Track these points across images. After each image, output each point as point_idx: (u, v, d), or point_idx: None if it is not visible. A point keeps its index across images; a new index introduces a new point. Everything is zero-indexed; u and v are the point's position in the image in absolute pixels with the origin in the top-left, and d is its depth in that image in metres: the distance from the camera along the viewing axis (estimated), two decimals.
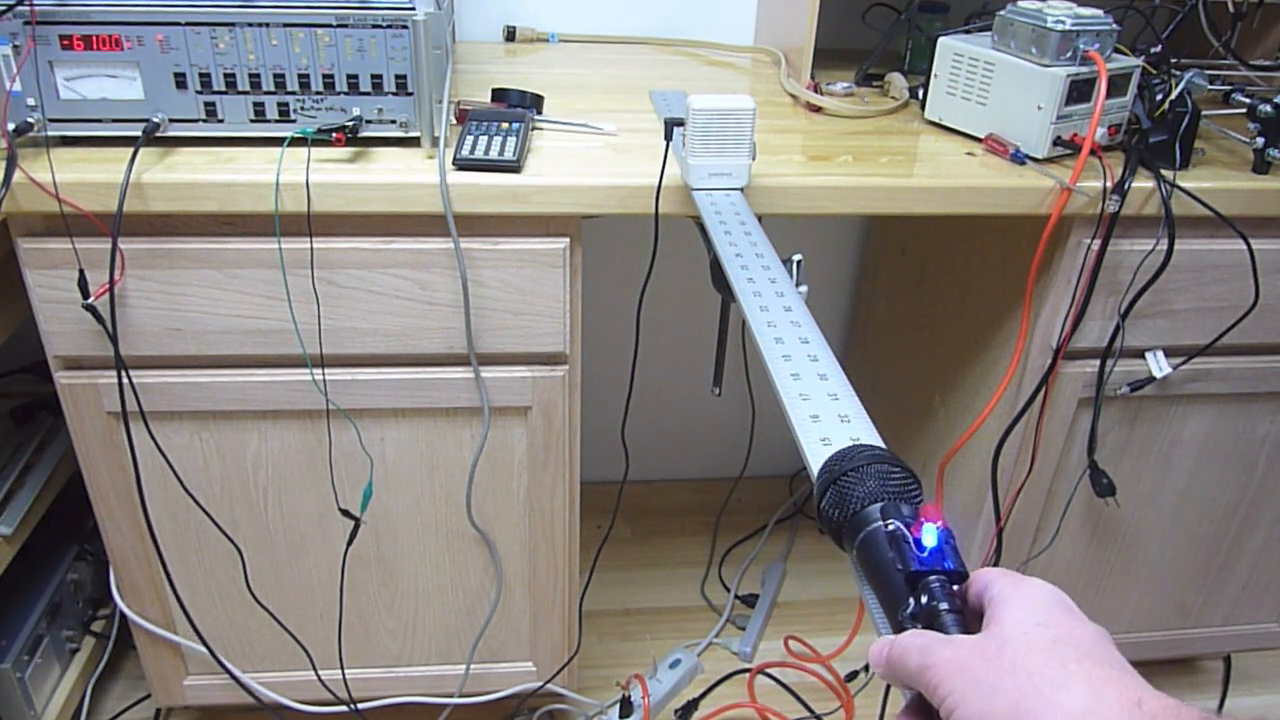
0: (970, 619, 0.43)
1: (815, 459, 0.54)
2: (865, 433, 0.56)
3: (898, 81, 1.21)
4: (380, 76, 0.91)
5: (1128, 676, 0.36)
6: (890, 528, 0.45)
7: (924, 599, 0.43)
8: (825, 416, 0.58)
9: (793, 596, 1.62)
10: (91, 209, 0.86)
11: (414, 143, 0.95)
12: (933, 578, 0.43)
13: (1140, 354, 1.11)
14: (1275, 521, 1.29)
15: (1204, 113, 1.03)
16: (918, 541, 0.44)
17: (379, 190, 0.89)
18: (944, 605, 0.42)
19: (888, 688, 1.38)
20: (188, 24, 0.87)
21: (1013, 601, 0.40)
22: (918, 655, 0.40)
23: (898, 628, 0.43)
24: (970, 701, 0.37)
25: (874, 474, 0.49)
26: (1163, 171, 0.99)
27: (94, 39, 0.86)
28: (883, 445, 0.52)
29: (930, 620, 0.42)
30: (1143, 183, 0.99)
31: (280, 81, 0.90)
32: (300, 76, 0.90)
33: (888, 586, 0.45)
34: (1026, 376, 1.12)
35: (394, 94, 0.92)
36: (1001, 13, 1.03)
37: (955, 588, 0.43)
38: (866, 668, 1.46)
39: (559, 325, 1.00)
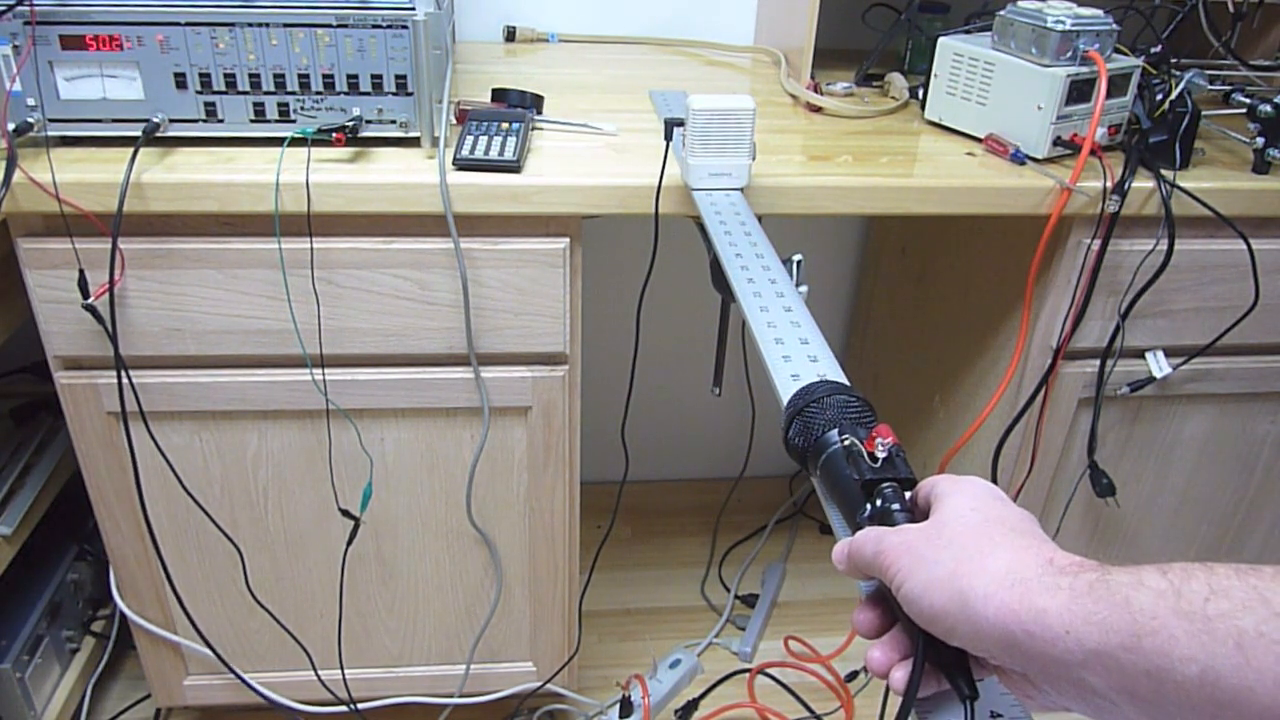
0: (919, 517, 0.47)
1: None
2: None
3: (898, 81, 1.21)
4: (380, 76, 0.91)
5: (1045, 544, 0.42)
6: (847, 443, 0.51)
7: (878, 502, 0.49)
8: None
9: (793, 596, 1.62)
10: (91, 209, 0.86)
11: (414, 143, 0.95)
12: (885, 484, 0.49)
13: (1140, 354, 1.11)
14: (1275, 521, 1.29)
15: (1204, 113, 1.03)
16: (871, 455, 0.50)
17: (379, 190, 0.89)
18: (895, 506, 0.48)
19: (887, 688, 1.38)
20: (188, 24, 0.87)
21: (952, 494, 0.46)
22: (872, 544, 0.45)
23: (856, 529, 0.49)
24: (915, 574, 0.42)
25: (833, 404, 0.55)
26: (1163, 171, 0.99)
27: (94, 39, 0.86)
28: (846, 383, 0.58)
29: (883, 519, 0.48)
30: (1143, 183, 0.99)
31: (280, 81, 0.90)
32: (300, 77, 0.90)
33: (847, 496, 0.51)
34: (1026, 376, 1.12)
35: (394, 94, 0.92)
36: (1001, 13, 1.03)
37: (906, 494, 0.49)
38: (866, 668, 1.46)
39: (559, 325, 1.00)
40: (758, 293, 0.72)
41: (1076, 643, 0.37)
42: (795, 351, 0.64)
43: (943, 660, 0.43)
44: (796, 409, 0.56)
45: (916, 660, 0.43)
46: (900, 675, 0.44)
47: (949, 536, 0.43)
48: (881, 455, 0.50)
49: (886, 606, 0.47)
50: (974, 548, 0.42)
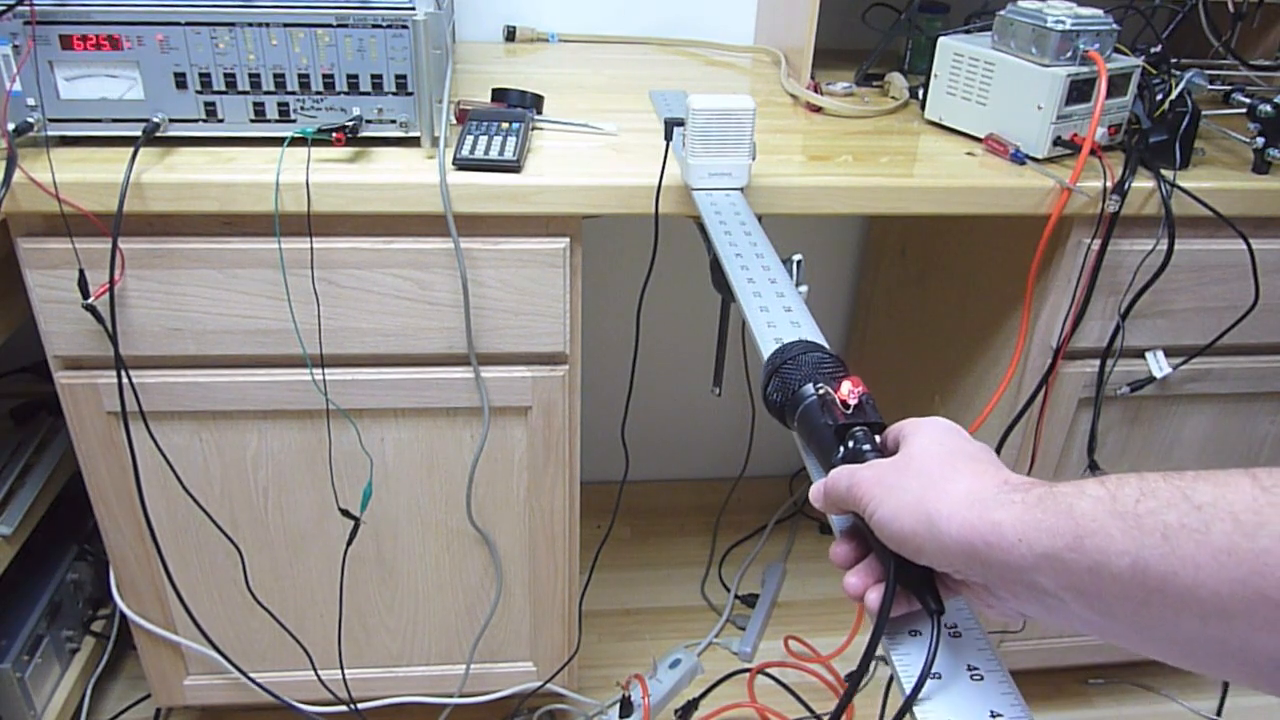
0: (888, 455, 0.51)
1: None
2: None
3: (898, 81, 1.21)
4: (380, 76, 0.91)
5: (1000, 469, 0.47)
6: (821, 392, 0.56)
7: (850, 444, 0.53)
8: None
9: (793, 596, 1.62)
10: (91, 209, 0.86)
11: (414, 143, 0.95)
12: (856, 428, 0.54)
13: (1140, 354, 1.11)
14: None
15: (1204, 113, 1.03)
16: (843, 403, 0.55)
17: (379, 190, 0.89)
18: (866, 446, 0.52)
19: (888, 687, 1.38)
20: (188, 24, 0.87)
21: (917, 433, 0.51)
22: (846, 479, 0.50)
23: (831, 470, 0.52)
24: (886, 502, 0.47)
25: (809, 361, 0.59)
26: (1163, 171, 0.99)
27: (94, 39, 0.86)
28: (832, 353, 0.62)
29: (856, 459, 0.52)
30: (1143, 183, 0.99)
31: (280, 81, 0.90)
32: (300, 76, 0.90)
33: (822, 442, 0.55)
34: (1026, 376, 1.12)
35: (394, 94, 0.92)
36: (1001, 13, 1.03)
37: (876, 436, 0.53)
38: (866, 668, 1.46)
39: (559, 325, 1.00)
40: (758, 293, 0.72)
41: (1028, 548, 0.41)
42: None
43: (912, 580, 0.47)
44: (774, 366, 0.60)
45: (889, 580, 0.47)
46: (874, 596, 0.48)
47: (915, 468, 0.47)
48: (853, 402, 0.55)
49: (860, 539, 0.52)
50: (938, 475, 0.46)
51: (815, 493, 0.53)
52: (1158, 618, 0.38)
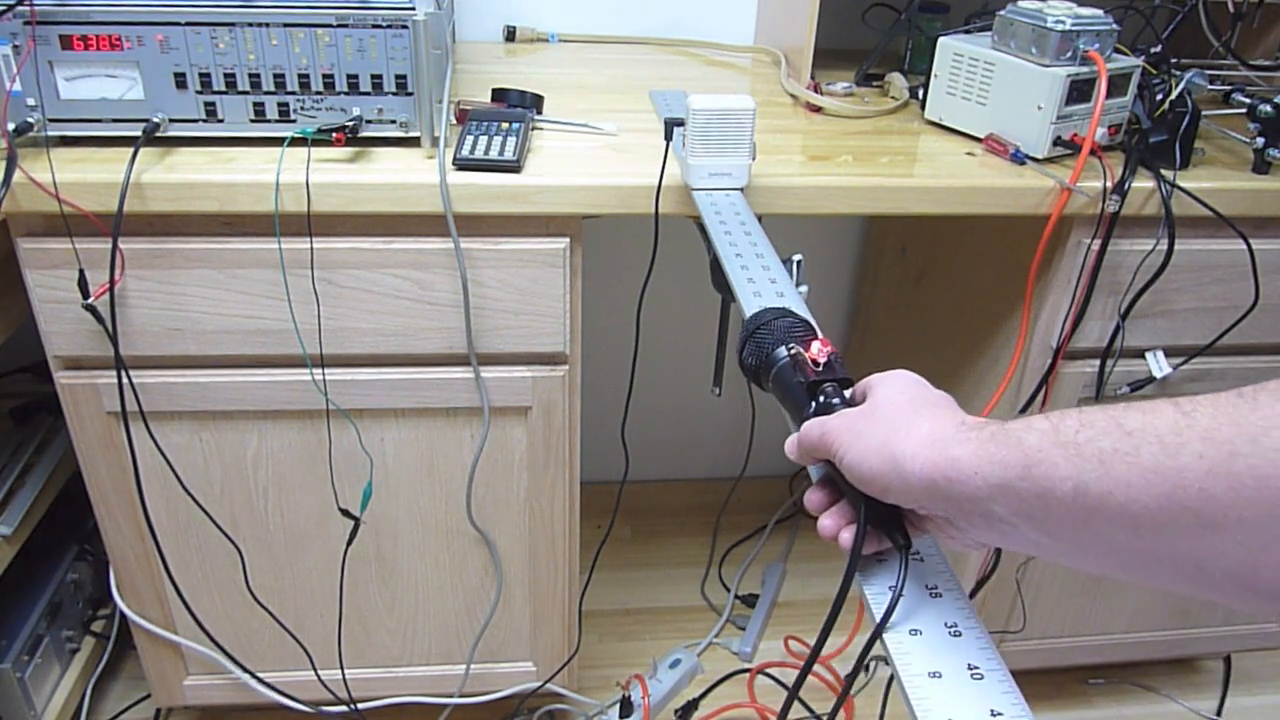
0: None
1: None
2: None
3: (898, 81, 1.21)
4: (380, 76, 0.91)
5: (958, 413, 0.51)
6: (793, 352, 0.60)
7: (821, 399, 0.57)
8: None
9: (793, 596, 1.62)
10: (91, 209, 0.86)
11: (414, 143, 0.95)
12: (826, 384, 0.58)
13: (1140, 354, 1.11)
14: None
15: (1204, 113, 1.03)
16: (814, 361, 0.59)
17: (379, 190, 0.89)
18: (836, 400, 0.57)
19: (888, 687, 1.38)
20: (188, 24, 0.87)
21: (882, 384, 0.54)
22: (817, 428, 0.53)
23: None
24: (854, 447, 0.50)
25: (780, 326, 0.63)
26: (1163, 171, 0.99)
27: (94, 39, 0.86)
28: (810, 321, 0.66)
29: (826, 412, 0.56)
30: (1143, 183, 0.99)
31: (280, 81, 0.90)
32: (300, 76, 0.90)
33: (795, 399, 0.59)
34: (1026, 376, 1.12)
35: (394, 94, 0.92)
36: (1001, 13, 1.03)
37: (845, 391, 0.57)
38: (867, 668, 1.46)
39: (559, 325, 1.00)
40: (758, 293, 0.72)
41: (984, 480, 0.45)
42: None
43: (880, 518, 0.51)
44: (749, 332, 0.64)
45: (860, 518, 0.51)
46: (847, 535, 0.52)
47: (881, 414, 0.51)
48: (822, 361, 0.59)
49: (833, 485, 0.56)
50: (902, 420, 0.50)
51: (790, 445, 0.56)
52: (1097, 534, 0.42)
